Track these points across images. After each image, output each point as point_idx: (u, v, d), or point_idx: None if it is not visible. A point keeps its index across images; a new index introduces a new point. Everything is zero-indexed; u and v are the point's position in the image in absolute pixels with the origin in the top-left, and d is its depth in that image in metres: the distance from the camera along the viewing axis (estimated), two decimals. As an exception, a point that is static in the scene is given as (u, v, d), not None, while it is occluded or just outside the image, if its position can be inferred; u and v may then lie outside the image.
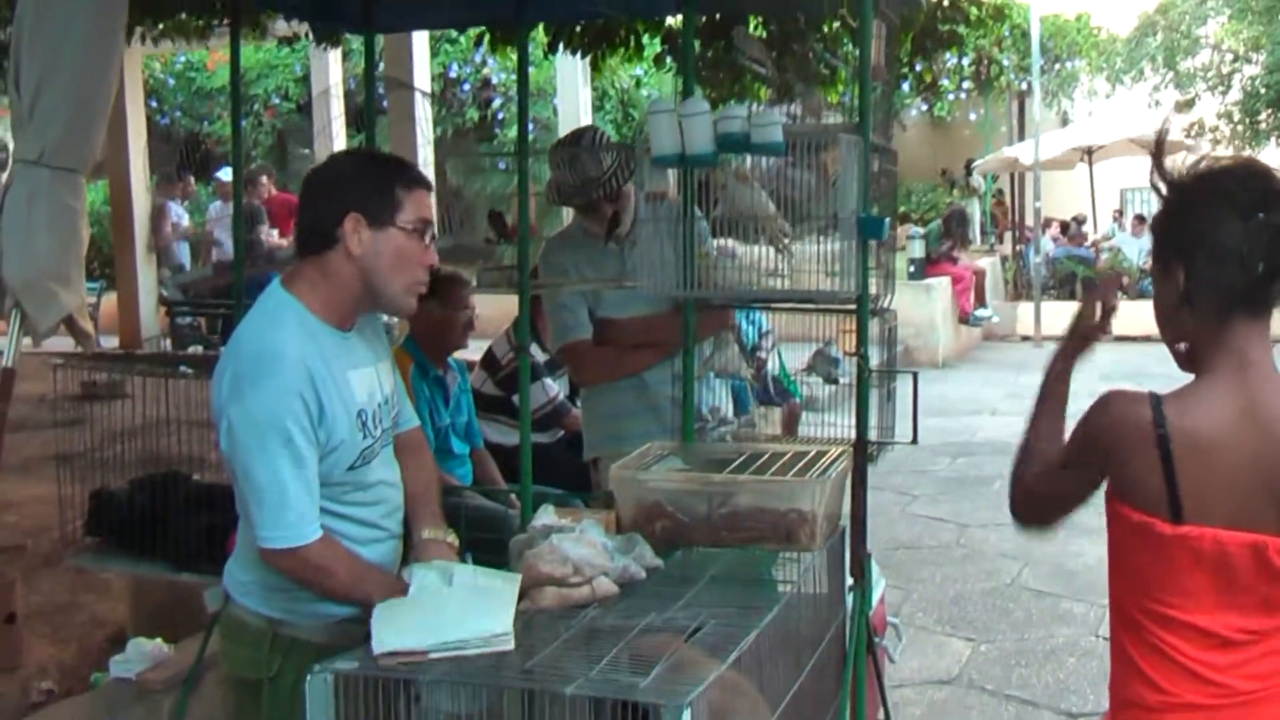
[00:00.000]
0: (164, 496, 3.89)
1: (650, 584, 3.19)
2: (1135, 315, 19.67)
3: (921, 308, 16.06)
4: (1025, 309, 19.30)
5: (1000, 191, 25.61)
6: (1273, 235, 2.24)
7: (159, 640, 4.18)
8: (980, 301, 19.08)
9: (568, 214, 7.22)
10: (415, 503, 3.15)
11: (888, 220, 3.74)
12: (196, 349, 11.02)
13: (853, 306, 3.89)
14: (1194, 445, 2.22)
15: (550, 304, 4.76)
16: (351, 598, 2.86)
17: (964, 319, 18.09)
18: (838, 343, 4.10)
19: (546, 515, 3.35)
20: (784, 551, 3.49)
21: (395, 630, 2.65)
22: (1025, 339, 18.88)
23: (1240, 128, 20.89)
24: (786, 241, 3.93)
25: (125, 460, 4.33)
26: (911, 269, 17.01)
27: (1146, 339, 18.38)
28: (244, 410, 2.76)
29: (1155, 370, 11.38)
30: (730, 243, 4.00)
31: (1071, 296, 20.00)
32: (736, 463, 3.61)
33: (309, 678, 2.58)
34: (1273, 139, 20.61)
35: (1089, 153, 21.97)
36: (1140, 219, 24.43)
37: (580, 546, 3.09)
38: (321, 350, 2.86)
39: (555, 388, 6.12)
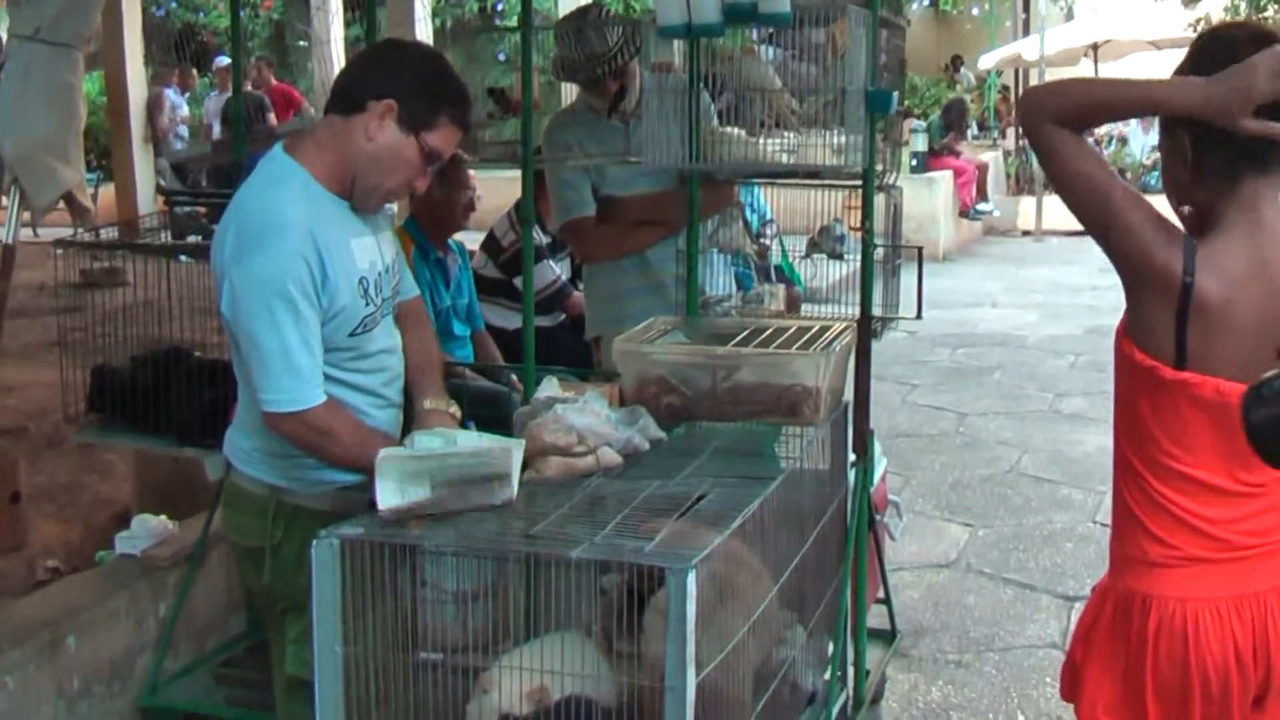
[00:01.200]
0: (166, 372, 3.88)
1: (654, 456, 3.19)
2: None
3: (923, 201, 15.94)
4: (1027, 203, 19.19)
5: (1005, 87, 25.36)
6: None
7: (163, 517, 4.19)
8: (982, 196, 18.97)
9: (568, 95, 7.17)
10: (416, 372, 3.14)
11: (895, 94, 3.70)
12: (195, 239, 10.95)
13: (858, 182, 3.87)
14: (1207, 301, 2.20)
15: (554, 181, 4.72)
16: (356, 463, 2.85)
17: (965, 213, 18.00)
18: (843, 219, 4.08)
19: (550, 388, 3.34)
20: (787, 426, 3.50)
21: (399, 488, 2.65)
22: (1026, 234, 18.80)
23: (1246, 24, 20.62)
24: (793, 117, 3.88)
25: (126, 342, 4.31)
26: (914, 162, 16.87)
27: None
28: (247, 272, 2.74)
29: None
30: (738, 132, 3.95)
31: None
32: (740, 337, 3.59)
33: (315, 543, 2.58)
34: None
35: (1094, 49, 21.70)
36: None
37: (585, 416, 3.08)
38: (324, 216, 2.84)
39: (557, 270, 6.08)
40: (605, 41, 4.41)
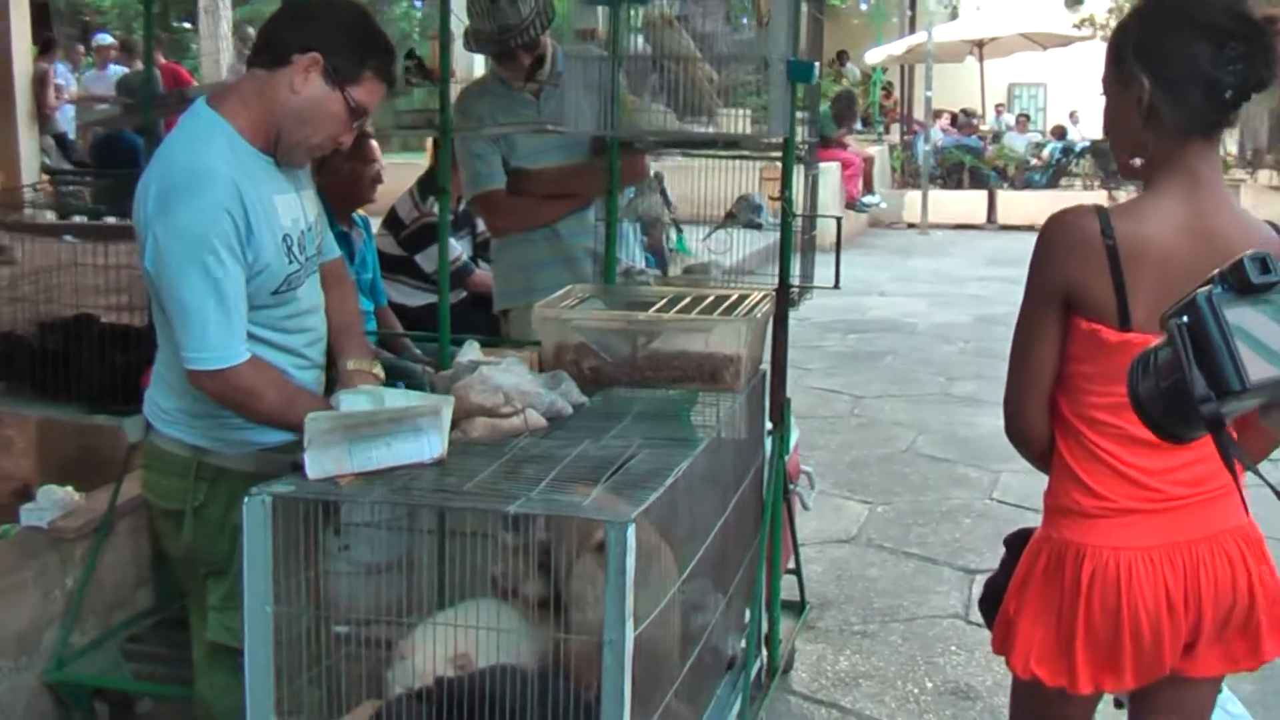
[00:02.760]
0: (74, 338, 3.78)
1: (577, 419, 3.18)
2: (1020, 205, 19.99)
3: (807, 191, 16.08)
4: (912, 197, 19.47)
5: (889, 84, 25.72)
6: (1245, 65, 2.26)
7: (69, 488, 4.09)
8: (868, 188, 19.24)
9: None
10: (339, 334, 3.10)
11: (816, 65, 3.73)
12: (81, 219, 10.70)
13: (777, 154, 3.91)
14: (1141, 254, 2.26)
15: (464, 153, 4.68)
16: (281, 422, 2.81)
17: (851, 205, 18.22)
18: (760, 191, 4.10)
19: (471, 351, 3.32)
20: (708, 392, 3.52)
21: (327, 449, 2.62)
22: (911, 226, 19.08)
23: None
24: (711, 86, 3.90)
25: (17, 317, 4.20)
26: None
27: (1030, 227, 18.75)
28: (171, 225, 2.68)
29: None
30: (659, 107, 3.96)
31: (958, 185, 20.26)
32: (660, 304, 3.60)
33: (246, 501, 2.53)
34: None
35: (979, 46, 22.11)
36: (1024, 117, 24.77)
37: (511, 376, 3.07)
38: (248, 170, 2.79)
39: (459, 248, 6.03)
40: (518, 13, 4.39)
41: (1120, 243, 2.27)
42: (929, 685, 4.38)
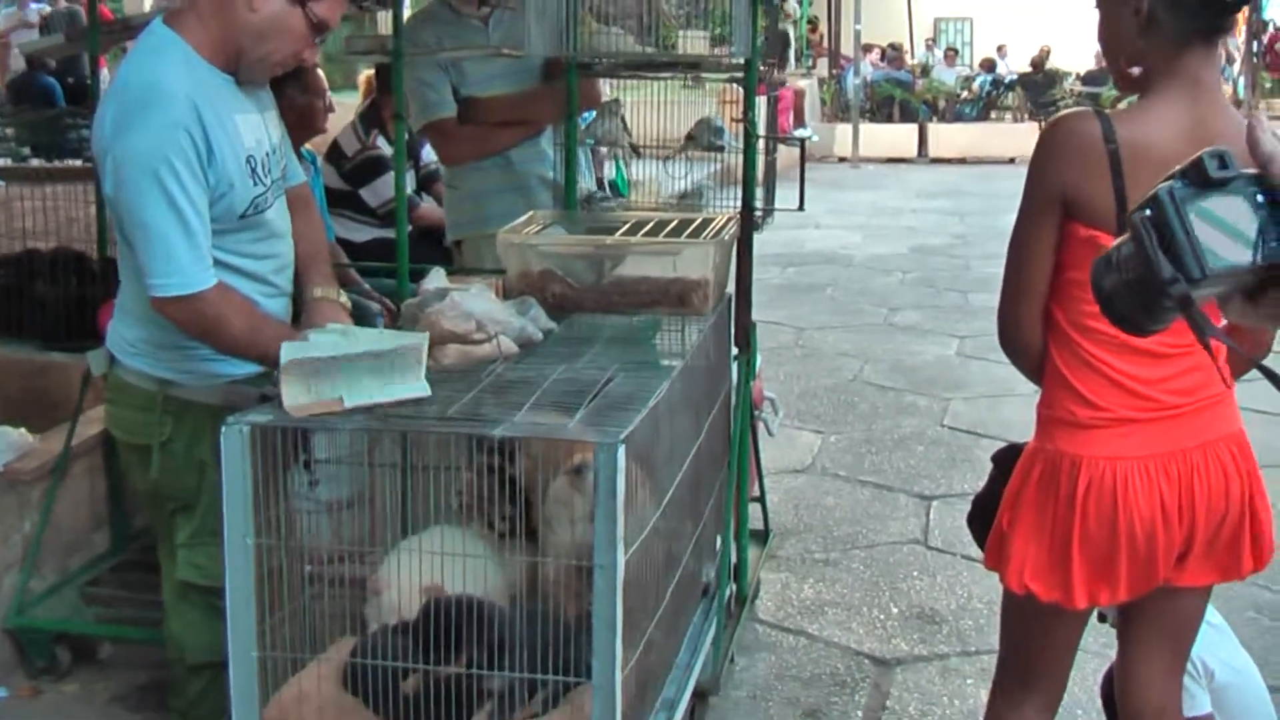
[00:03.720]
0: (24, 274, 3.66)
1: (547, 345, 3.12)
2: (951, 139, 20.01)
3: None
4: (843, 130, 19.48)
5: (815, 18, 25.63)
6: None
7: (23, 430, 3.98)
8: (799, 122, 19.18)
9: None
10: (306, 260, 3.01)
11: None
12: (5, 162, 10.43)
13: (738, 74, 3.84)
14: (1144, 159, 2.23)
15: (413, 82, 4.57)
16: (249, 351, 2.73)
17: (783, 138, 18.15)
18: (720, 114, 4.04)
19: (437, 279, 3.24)
20: (676, 316, 3.47)
21: (305, 388, 2.54)
22: (842, 160, 19.09)
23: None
24: (668, 8, 3.83)
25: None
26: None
27: (962, 160, 18.84)
28: (128, 147, 2.58)
29: (971, 188, 11.70)
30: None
31: (888, 119, 20.27)
32: (624, 229, 3.54)
33: (224, 430, 2.45)
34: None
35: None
36: (953, 51, 24.79)
37: (482, 302, 3.00)
38: (207, 89, 2.68)
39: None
40: (466, -64, 4.29)
41: (1122, 147, 2.24)
42: (894, 611, 4.38)
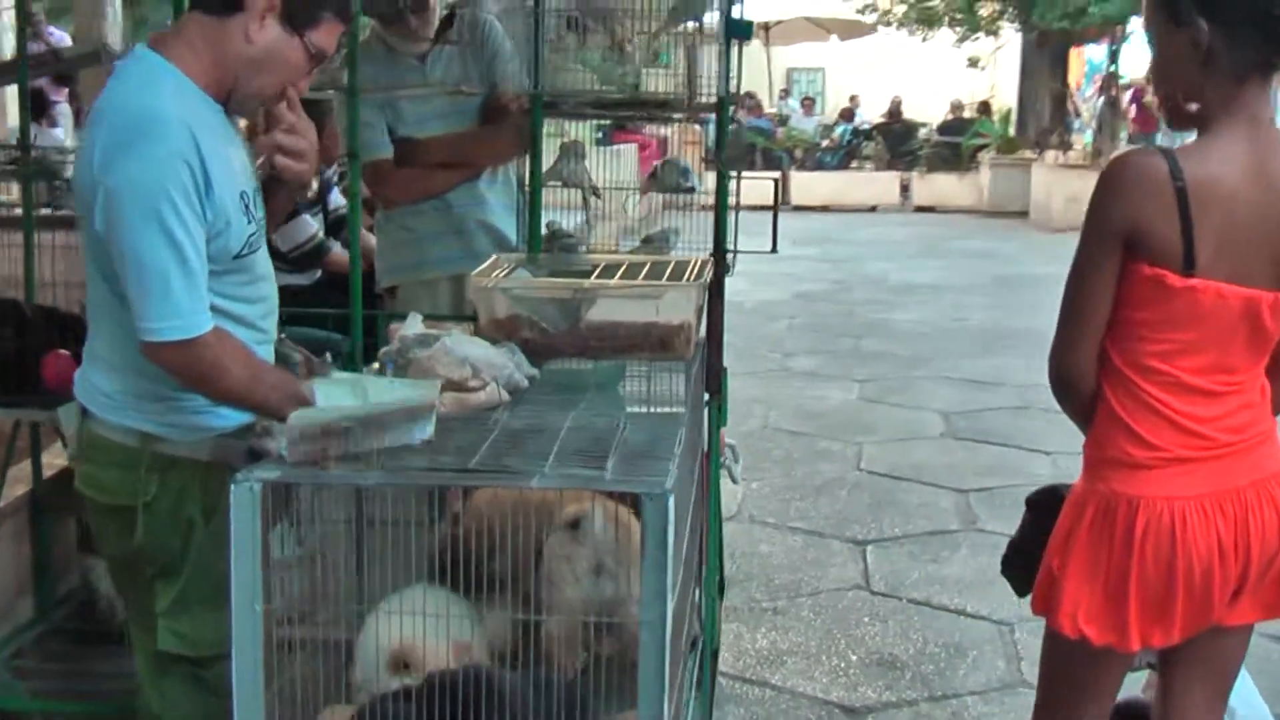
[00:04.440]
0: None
1: (535, 393, 3.00)
2: (813, 187, 20.26)
3: (612, 172, 15.98)
4: (707, 177, 19.55)
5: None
6: None
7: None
8: (665, 170, 19.25)
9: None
10: None
11: (753, 23, 3.61)
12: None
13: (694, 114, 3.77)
14: (1210, 197, 2.21)
15: (346, 121, 4.42)
16: (244, 401, 2.55)
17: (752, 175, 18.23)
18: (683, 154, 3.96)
19: (414, 324, 3.10)
20: (658, 361, 3.37)
21: (313, 445, 2.38)
22: (705, 208, 19.14)
23: (911, 11, 21.51)
24: (631, 49, 3.75)
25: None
26: (599, 135, 16.94)
27: (824, 209, 19.08)
28: (123, 178, 2.39)
29: (839, 236, 11.85)
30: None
31: (751, 166, 20.44)
32: (596, 273, 3.44)
33: (234, 487, 2.27)
34: (945, 21, 21.30)
35: (765, 29, 22.35)
36: (809, 100, 25.19)
37: (476, 347, 2.87)
38: (202, 118, 2.52)
39: (314, 225, 5.73)
40: (406, -27, 4.16)
41: (1189, 185, 2.21)
42: (853, 658, 4.32)
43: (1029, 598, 2.57)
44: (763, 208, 5.25)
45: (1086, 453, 2.45)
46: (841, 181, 19.99)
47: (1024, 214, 18.11)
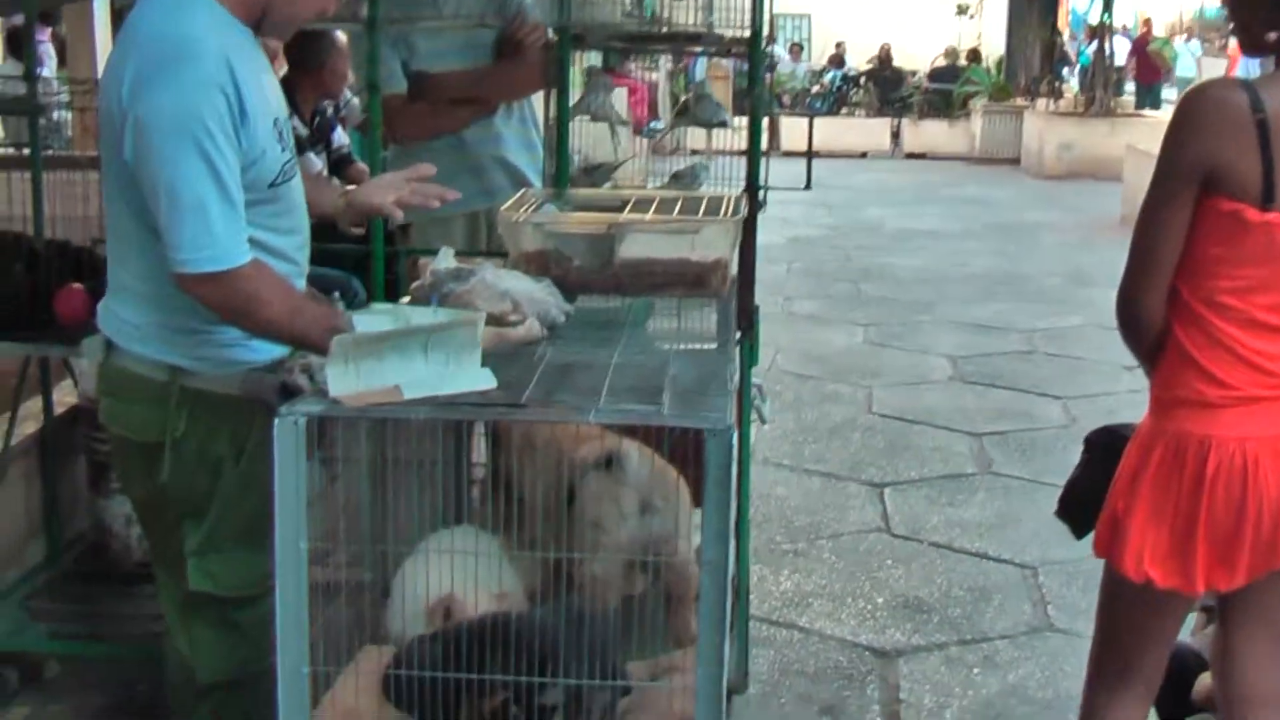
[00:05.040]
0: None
1: (573, 329, 2.92)
2: (803, 132, 20.08)
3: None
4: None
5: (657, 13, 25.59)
6: None
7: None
8: (653, 115, 19.09)
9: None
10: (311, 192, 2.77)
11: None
12: None
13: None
14: None
15: (357, 56, 4.31)
16: (285, 334, 2.46)
17: (639, 130, 18.03)
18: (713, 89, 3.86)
19: (447, 259, 3.01)
20: (693, 298, 3.29)
21: (354, 373, 2.29)
22: (695, 153, 18.97)
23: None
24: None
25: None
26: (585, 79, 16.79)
27: (815, 154, 18.92)
28: (156, 106, 2.29)
29: (830, 182, 11.71)
30: None
31: (740, 112, 20.28)
32: (628, 208, 3.35)
33: (277, 423, 2.19)
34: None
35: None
36: (797, 46, 24.98)
37: (515, 280, 2.78)
38: (235, 45, 2.42)
39: (318, 163, 5.62)
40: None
41: (1270, 117, 2.13)
42: (879, 601, 4.26)
43: (1088, 540, 2.51)
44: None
45: (1154, 392, 2.38)
46: (832, 127, 19.83)
47: (1015, 161, 17.99)
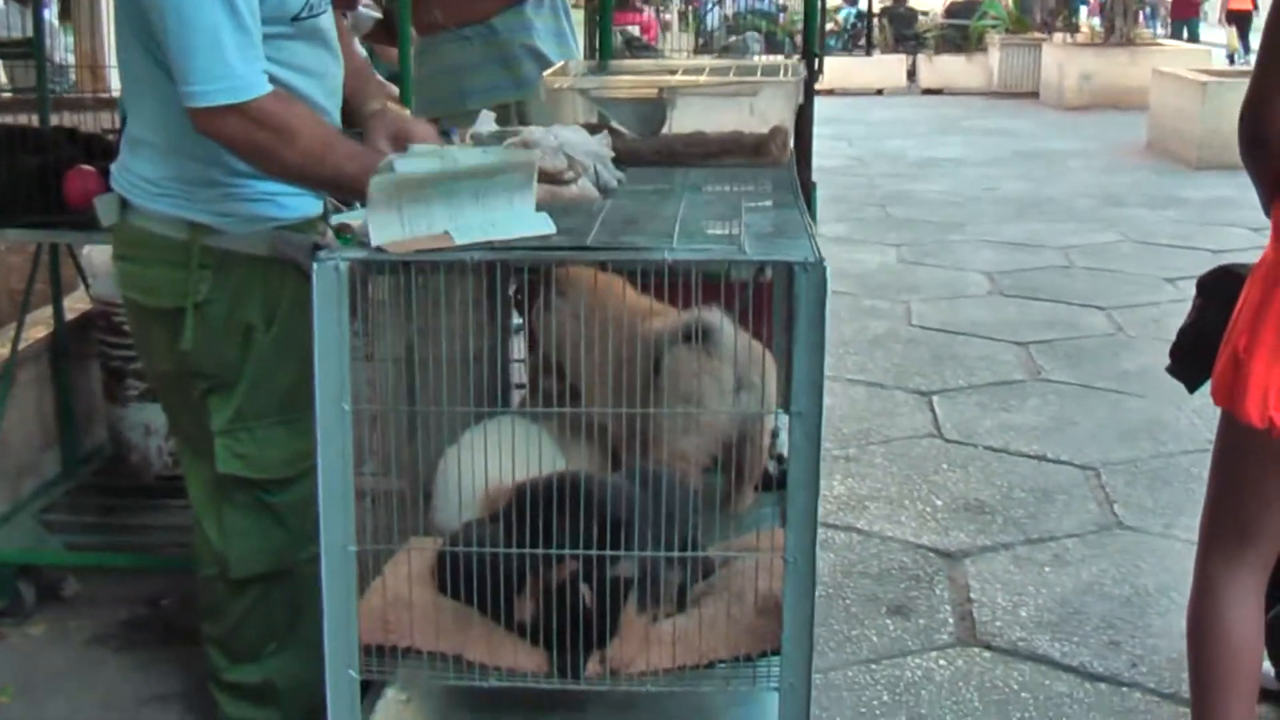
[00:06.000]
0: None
1: (628, 192, 2.69)
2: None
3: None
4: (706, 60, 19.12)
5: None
6: None
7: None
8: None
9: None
10: (354, 78, 2.53)
11: None
12: None
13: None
14: None
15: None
16: (317, 173, 2.22)
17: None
18: None
19: (488, 123, 2.78)
20: (752, 168, 3.07)
21: (398, 219, 2.06)
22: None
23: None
24: None
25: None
26: (597, 16, 16.52)
27: (830, 92, 18.67)
28: None
29: (848, 117, 11.42)
30: None
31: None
32: (678, 76, 3.13)
33: (316, 268, 1.96)
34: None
35: (762, -92, 21.78)
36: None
37: (570, 132, 2.55)
38: None
39: (373, 15, 5.36)
40: None
41: None
42: (938, 503, 4.05)
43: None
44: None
45: (1277, 221, 2.15)
46: (847, 65, 19.51)
47: (1034, 94, 17.66)
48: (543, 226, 2.14)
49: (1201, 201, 9.29)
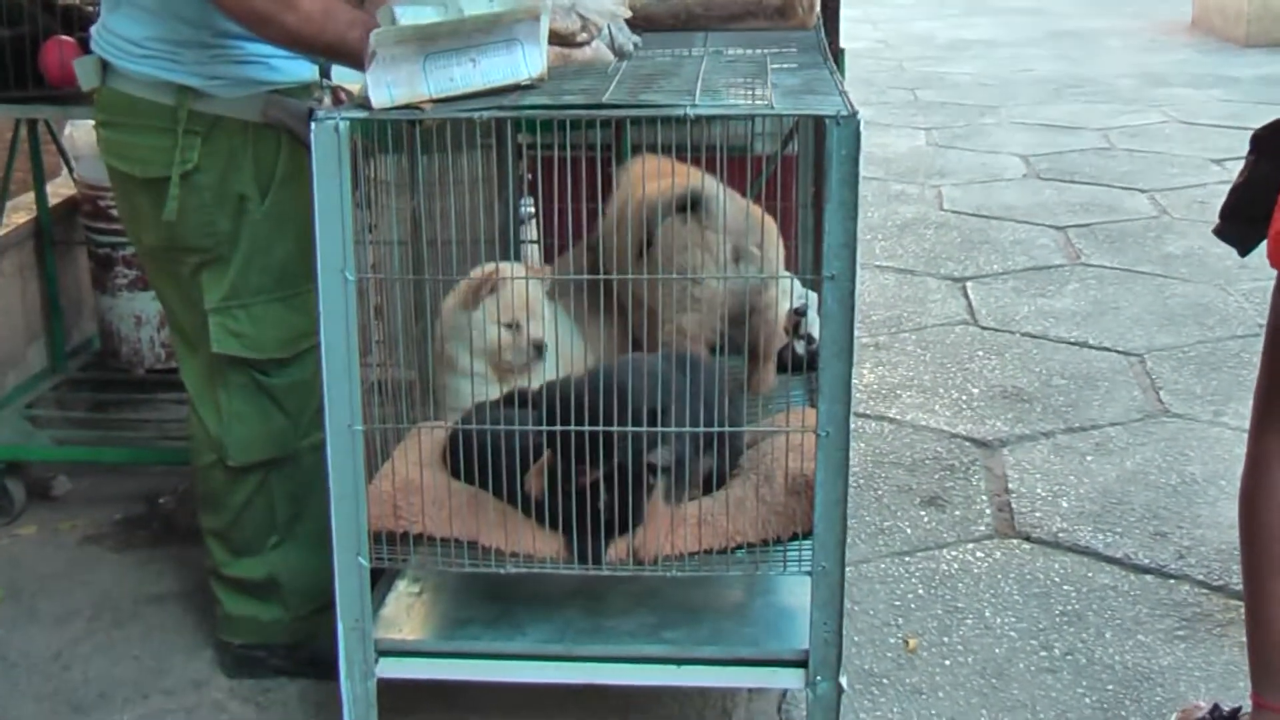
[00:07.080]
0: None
1: (641, 57, 2.50)
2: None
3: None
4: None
5: None
6: None
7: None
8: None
9: None
10: None
11: None
12: None
13: None
14: None
15: None
16: (317, 42, 2.05)
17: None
18: None
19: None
20: (776, 29, 2.87)
21: (397, 76, 1.89)
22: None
23: None
24: None
25: None
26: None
27: None
28: None
29: None
30: None
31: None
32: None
33: (314, 127, 1.82)
34: None
35: None
36: None
37: (580, -8, 2.36)
38: None
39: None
40: None
41: None
42: (974, 391, 3.88)
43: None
44: None
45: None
46: None
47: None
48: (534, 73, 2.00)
49: (1251, 80, 8.96)
